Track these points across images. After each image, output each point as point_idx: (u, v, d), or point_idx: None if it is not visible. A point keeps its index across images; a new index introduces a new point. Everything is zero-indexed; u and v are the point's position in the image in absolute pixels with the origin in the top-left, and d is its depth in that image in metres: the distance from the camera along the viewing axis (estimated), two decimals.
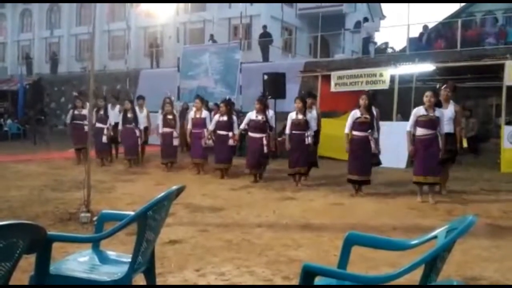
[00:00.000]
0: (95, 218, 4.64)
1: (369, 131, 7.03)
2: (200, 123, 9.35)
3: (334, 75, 12.70)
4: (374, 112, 7.18)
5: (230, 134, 8.92)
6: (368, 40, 17.52)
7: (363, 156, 7.04)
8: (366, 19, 19.13)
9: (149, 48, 24.04)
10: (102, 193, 6.83)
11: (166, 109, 9.92)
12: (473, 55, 12.83)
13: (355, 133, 7.13)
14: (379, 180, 8.04)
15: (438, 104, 6.59)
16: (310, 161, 8.31)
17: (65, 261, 2.46)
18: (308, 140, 7.90)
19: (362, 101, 7.08)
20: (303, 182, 8.13)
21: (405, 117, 13.10)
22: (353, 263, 2.40)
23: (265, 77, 12.78)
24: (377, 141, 7.19)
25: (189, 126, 9.57)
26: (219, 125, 8.96)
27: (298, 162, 7.92)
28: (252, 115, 8.50)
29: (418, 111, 6.56)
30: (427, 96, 6.43)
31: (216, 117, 9.12)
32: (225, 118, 8.91)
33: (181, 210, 5.69)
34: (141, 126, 10.40)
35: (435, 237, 1.94)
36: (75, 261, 2.48)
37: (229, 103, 9.44)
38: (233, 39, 22.05)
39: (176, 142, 9.89)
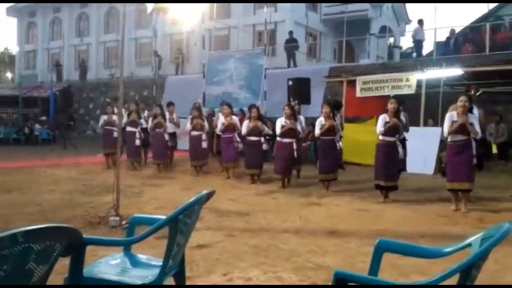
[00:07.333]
0: (124, 222, 4.73)
1: (397, 136, 6.97)
2: (230, 128, 9.48)
3: (359, 80, 12.61)
4: (403, 117, 7.09)
5: (262, 139, 8.96)
6: (419, 43, 17.54)
7: (390, 161, 6.95)
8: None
9: (175, 55, 24.36)
10: (131, 198, 6.93)
11: (194, 114, 10.11)
12: (502, 59, 12.54)
13: (382, 138, 7.02)
14: (406, 186, 7.90)
15: (470, 110, 6.37)
16: (339, 165, 8.32)
17: (97, 264, 2.51)
18: (339, 145, 7.88)
19: (391, 105, 7.00)
20: (332, 188, 8.07)
21: (436, 123, 12.91)
22: (382, 270, 2.36)
23: (290, 82, 12.76)
24: (404, 145, 7.09)
25: (218, 130, 9.76)
26: (251, 131, 9.00)
27: (329, 168, 7.88)
28: (282, 120, 8.50)
29: (452, 116, 6.31)
30: (461, 101, 6.19)
31: (246, 122, 9.16)
32: (256, 123, 8.97)
33: (208, 214, 5.73)
34: (170, 131, 10.69)
35: (469, 245, 1.91)
36: (107, 264, 2.52)
37: (258, 109, 9.51)
38: (257, 45, 22.15)
39: (205, 144, 9.99)
